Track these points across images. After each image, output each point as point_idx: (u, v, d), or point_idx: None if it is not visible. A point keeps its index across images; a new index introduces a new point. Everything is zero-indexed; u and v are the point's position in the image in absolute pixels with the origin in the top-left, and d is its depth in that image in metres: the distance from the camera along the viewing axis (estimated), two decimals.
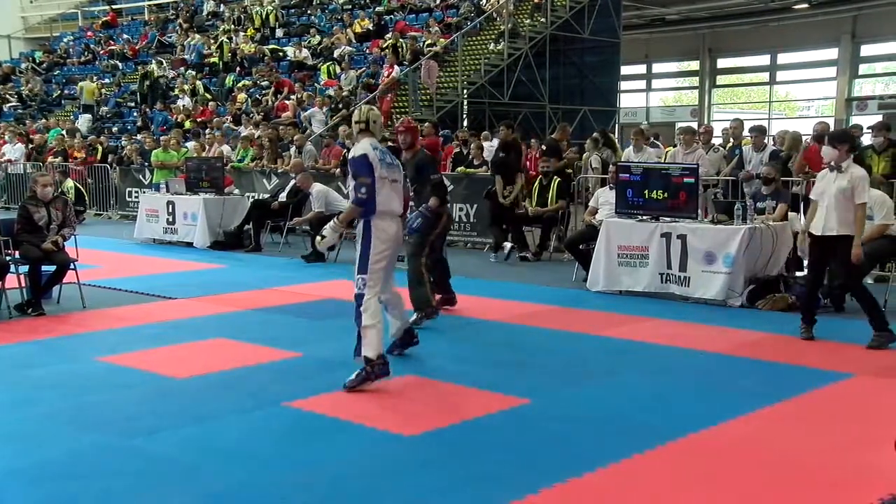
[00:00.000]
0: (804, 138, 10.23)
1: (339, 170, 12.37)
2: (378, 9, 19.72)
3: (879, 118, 19.08)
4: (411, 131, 6.61)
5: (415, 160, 6.50)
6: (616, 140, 12.43)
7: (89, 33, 26.59)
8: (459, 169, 11.44)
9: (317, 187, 10.46)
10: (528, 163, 11.41)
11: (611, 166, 9.57)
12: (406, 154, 6.54)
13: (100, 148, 16.57)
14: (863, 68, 25.51)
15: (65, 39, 26.59)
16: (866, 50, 25.06)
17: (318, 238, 5.11)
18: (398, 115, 15.70)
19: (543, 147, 11.05)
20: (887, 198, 7.31)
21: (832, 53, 25.31)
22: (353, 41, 18.87)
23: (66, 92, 22.78)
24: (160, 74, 20.63)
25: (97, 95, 21.33)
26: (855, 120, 20.58)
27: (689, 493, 3.44)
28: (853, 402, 4.66)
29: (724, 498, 3.41)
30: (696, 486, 3.51)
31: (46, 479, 3.61)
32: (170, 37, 23.38)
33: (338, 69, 17.44)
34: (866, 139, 10.11)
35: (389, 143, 12.37)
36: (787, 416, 4.39)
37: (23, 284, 7.09)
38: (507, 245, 9.91)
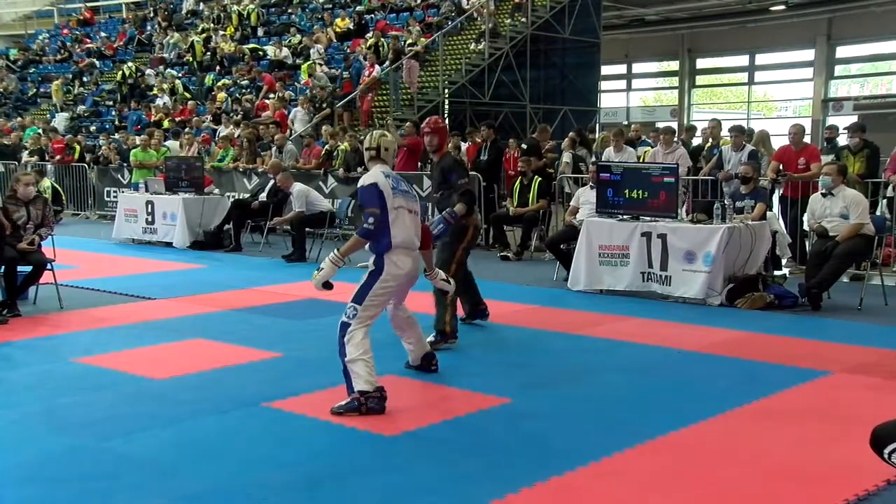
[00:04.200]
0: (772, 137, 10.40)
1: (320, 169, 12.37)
2: (358, 8, 19.68)
3: (855, 119, 19.41)
4: (439, 132, 5.95)
5: (440, 164, 5.99)
6: (608, 138, 12.38)
7: (65, 31, 26.28)
8: None
9: (297, 187, 10.41)
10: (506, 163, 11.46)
11: (590, 166, 9.63)
12: (433, 158, 6.08)
13: (77, 147, 16.39)
14: (838, 69, 25.83)
15: (40, 37, 26.26)
16: (842, 51, 25.39)
17: (315, 273, 4.44)
18: (379, 115, 15.70)
19: (524, 146, 11.07)
20: (862, 197, 7.41)
21: (809, 55, 25.61)
22: (334, 40, 18.81)
23: (41, 90, 22.51)
24: (138, 72, 20.46)
25: (62, 94, 21.11)
26: (831, 121, 20.81)
27: (668, 490, 3.46)
28: (831, 400, 4.70)
29: (703, 494, 3.43)
30: (676, 483, 3.53)
31: (19, 482, 3.56)
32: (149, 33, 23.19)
33: (318, 69, 17.38)
34: (842, 140, 10.24)
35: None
36: (766, 413, 4.43)
37: None
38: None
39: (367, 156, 4.71)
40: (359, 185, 4.57)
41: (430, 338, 5.75)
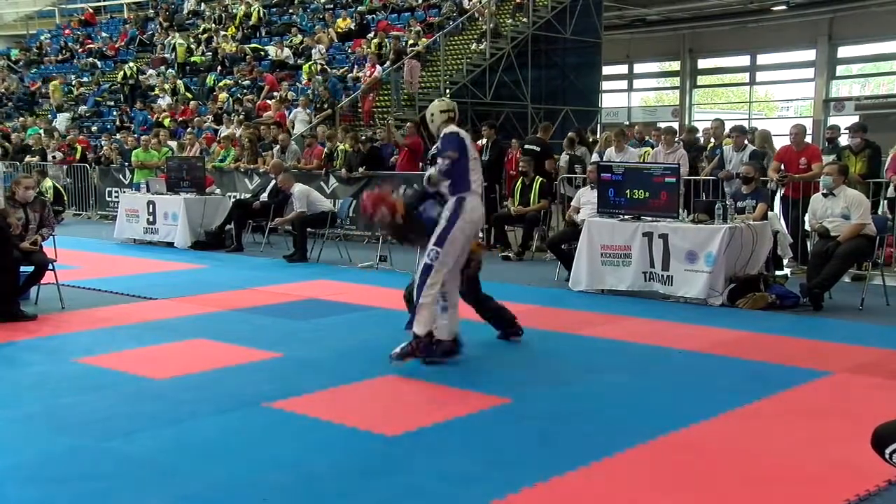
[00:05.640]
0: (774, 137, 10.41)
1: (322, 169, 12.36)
2: (360, 8, 19.69)
3: (856, 119, 19.39)
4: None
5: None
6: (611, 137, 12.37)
7: (67, 31, 26.32)
8: None
9: (298, 187, 10.42)
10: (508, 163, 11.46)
11: (589, 165, 9.64)
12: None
13: (79, 147, 16.41)
14: (840, 69, 25.81)
15: (42, 37, 26.30)
16: (843, 51, 25.37)
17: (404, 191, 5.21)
18: (380, 115, 15.70)
19: (537, 149, 11.00)
20: (864, 198, 7.40)
21: (810, 55, 25.59)
22: (335, 40, 18.82)
23: (43, 90, 22.54)
24: (139, 73, 20.51)
25: (62, 94, 21.17)
26: (832, 121, 20.79)
27: (669, 490, 3.46)
28: (832, 400, 4.70)
29: (703, 494, 3.43)
30: (677, 483, 3.53)
31: (19, 482, 3.56)
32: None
33: (319, 69, 17.40)
34: (844, 140, 10.23)
35: (373, 144, 12.47)
36: (767, 413, 4.43)
37: None
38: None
39: (444, 118, 5.19)
40: (442, 133, 5.09)
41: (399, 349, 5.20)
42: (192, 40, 21.47)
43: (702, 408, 4.43)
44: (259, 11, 21.17)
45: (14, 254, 6.80)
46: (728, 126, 10.52)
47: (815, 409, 4.52)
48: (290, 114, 15.67)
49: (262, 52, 19.52)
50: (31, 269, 7.01)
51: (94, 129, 19.42)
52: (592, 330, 6.39)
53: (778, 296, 7.11)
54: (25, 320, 6.62)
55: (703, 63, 28.55)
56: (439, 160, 4.98)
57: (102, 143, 16.90)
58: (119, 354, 5.64)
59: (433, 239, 4.95)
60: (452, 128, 5.13)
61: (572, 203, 9.05)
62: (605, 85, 24.52)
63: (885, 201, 9.00)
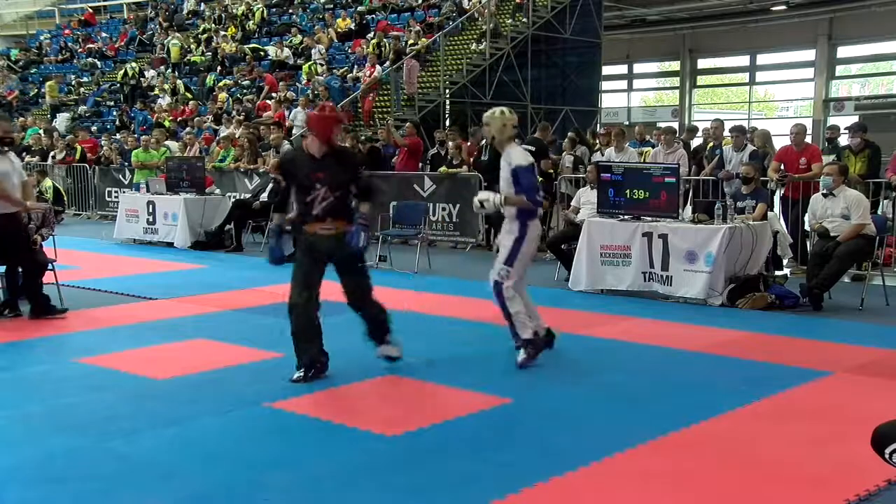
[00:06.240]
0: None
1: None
2: (360, 8, 19.69)
3: (856, 119, 19.40)
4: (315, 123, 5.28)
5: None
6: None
7: (67, 31, 26.33)
8: (441, 169, 11.46)
9: None
10: None
11: (588, 165, 9.64)
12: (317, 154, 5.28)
13: (78, 147, 16.42)
14: (839, 69, 25.81)
15: (41, 37, 26.30)
16: (843, 52, 25.37)
17: (486, 197, 5.27)
18: (380, 116, 15.71)
19: (533, 149, 10.99)
20: (864, 198, 7.41)
21: (810, 55, 25.59)
22: (335, 41, 18.83)
23: (42, 91, 22.56)
24: (138, 73, 20.52)
25: (58, 94, 21.19)
26: (832, 121, 20.79)
27: (668, 490, 3.46)
28: (832, 400, 4.70)
29: (703, 495, 3.43)
30: (676, 483, 3.53)
31: (20, 482, 3.56)
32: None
33: (319, 69, 17.40)
34: (843, 140, 10.24)
35: (373, 145, 12.47)
36: (766, 413, 4.43)
37: None
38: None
39: (513, 133, 5.29)
40: (514, 165, 5.16)
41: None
42: (190, 40, 21.47)
43: (701, 408, 4.44)
44: (262, 12, 21.17)
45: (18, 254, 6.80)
46: (728, 126, 10.51)
47: (816, 409, 4.51)
48: (289, 114, 15.67)
49: (262, 52, 19.52)
50: None
51: (94, 129, 19.43)
52: (592, 330, 6.39)
53: (778, 296, 7.11)
54: (56, 314, 6.75)
55: (703, 63, 28.55)
56: (531, 192, 5.17)
57: (102, 143, 16.90)
58: (119, 354, 5.64)
59: (503, 259, 5.25)
60: (524, 156, 5.18)
61: (572, 203, 9.05)
62: (605, 85, 24.50)
63: (886, 201, 9.00)
